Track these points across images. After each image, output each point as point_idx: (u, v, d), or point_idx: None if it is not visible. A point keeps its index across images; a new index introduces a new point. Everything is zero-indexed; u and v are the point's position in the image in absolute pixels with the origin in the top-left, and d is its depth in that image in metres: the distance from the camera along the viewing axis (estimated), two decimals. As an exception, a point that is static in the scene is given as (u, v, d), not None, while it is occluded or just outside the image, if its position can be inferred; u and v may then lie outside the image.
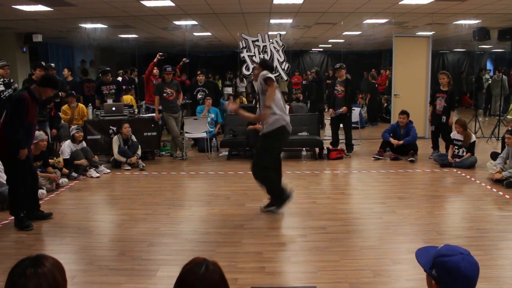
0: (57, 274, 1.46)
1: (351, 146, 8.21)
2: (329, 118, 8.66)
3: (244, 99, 13.21)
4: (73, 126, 7.24)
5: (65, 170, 6.37)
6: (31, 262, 1.44)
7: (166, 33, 12.95)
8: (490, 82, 13.99)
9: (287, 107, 11.03)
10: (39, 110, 5.18)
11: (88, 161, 6.76)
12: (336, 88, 8.15)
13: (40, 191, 5.36)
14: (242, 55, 9.51)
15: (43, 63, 7.80)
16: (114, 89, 8.43)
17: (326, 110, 11.13)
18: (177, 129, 7.93)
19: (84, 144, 6.98)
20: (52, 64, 8.46)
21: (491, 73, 15.08)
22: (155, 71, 8.76)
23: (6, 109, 4.41)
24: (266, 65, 4.95)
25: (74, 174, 6.50)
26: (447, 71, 8.58)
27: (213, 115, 8.91)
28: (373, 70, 13.71)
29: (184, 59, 9.81)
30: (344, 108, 7.96)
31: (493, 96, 13.76)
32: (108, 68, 8.65)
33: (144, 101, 9.22)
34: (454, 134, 7.17)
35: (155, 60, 8.47)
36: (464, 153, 7.00)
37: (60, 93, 8.11)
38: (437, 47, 16.33)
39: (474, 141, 7.07)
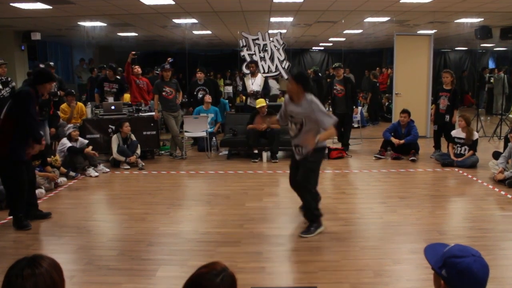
0: (54, 274, 1.45)
1: (347, 146, 8.26)
2: None
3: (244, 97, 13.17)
4: (69, 125, 7.20)
5: (63, 169, 6.34)
6: (28, 262, 1.43)
7: (165, 32, 12.90)
8: (492, 80, 13.93)
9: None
10: (39, 109, 5.13)
11: (87, 160, 6.72)
12: (335, 87, 8.16)
13: (39, 190, 5.34)
14: (242, 53, 9.48)
15: (42, 65, 7.78)
16: (116, 88, 8.38)
17: (326, 109, 11.10)
18: (176, 128, 7.89)
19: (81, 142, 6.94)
20: (51, 63, 8.41)
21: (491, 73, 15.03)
22: (136, 69, 8.34)
23: (5, 107, 4.34)
24: (304, 79, 4.13)
25: (72, 173, 6.46)
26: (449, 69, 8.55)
27: (212, 115, 8.85)
28: (377, 69, 13.66)
29: (168, 58, 9.39)
30: (356, 109, 8.11)
31: (494, 95, 13.71)
32: (115, 65, 8.53)
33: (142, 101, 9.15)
34: (456, 132, 7.13)
35: (128, 60, 7.96)
36: (466, 151, 6.96)
37: (59, 92, 8.09)
38: (438, 46, 16.26)
39: (477, 139, 7.04)
